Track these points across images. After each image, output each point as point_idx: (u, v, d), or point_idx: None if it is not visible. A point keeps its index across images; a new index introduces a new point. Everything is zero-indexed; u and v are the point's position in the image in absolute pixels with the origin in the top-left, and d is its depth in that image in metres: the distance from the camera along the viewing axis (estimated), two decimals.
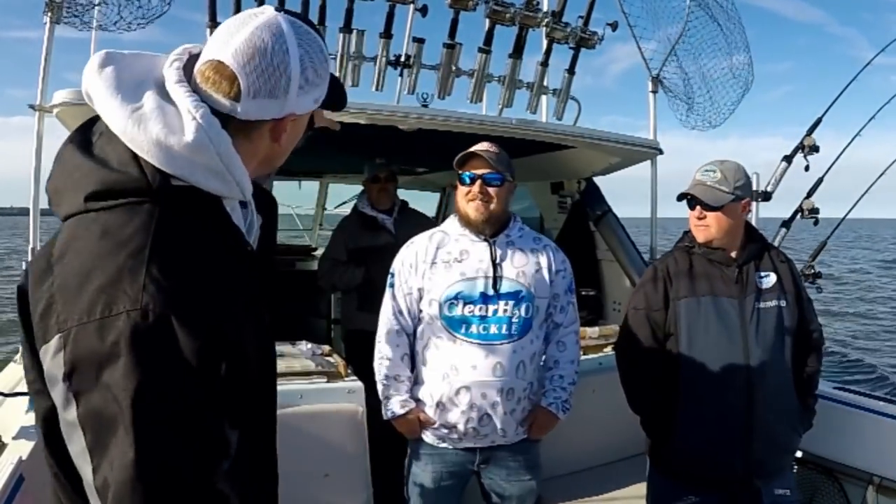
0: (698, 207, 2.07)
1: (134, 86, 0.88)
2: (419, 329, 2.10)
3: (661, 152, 3.59)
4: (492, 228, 2.08)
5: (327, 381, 2.30)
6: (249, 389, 0.93)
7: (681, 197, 2.11)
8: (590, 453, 2.89)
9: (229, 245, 0.92)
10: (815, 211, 3.28)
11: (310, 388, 2.24)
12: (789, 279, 2.13)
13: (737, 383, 2.00)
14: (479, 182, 2.03)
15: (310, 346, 2.56)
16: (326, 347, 2.63)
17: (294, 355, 2.46)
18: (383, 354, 2.11)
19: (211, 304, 0.81)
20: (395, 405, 2.06)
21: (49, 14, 2.51)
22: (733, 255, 2.11)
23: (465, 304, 2.01)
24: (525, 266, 2.08)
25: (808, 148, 3.34)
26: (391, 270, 2.17)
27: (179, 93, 0.87)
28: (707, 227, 2.07)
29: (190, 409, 0.77)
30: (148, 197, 0.84)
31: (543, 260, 2.12)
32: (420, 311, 2.08)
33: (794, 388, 2.11)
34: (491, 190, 2.04)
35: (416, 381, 2.11)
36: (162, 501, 0.76)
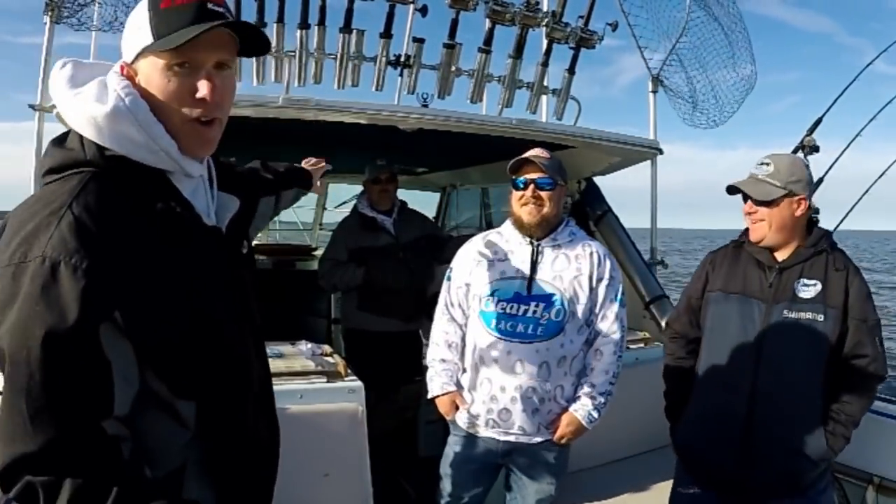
0: (749, 202, 1.99)
1: (85, 80, 1.00)
2: (468, 322, 2.22)
3: (660, 152, 3.59)
4: (544, 230, 2.16)
5: (327, 381, 2.29)
6: (193, 359, 0.99)
7: (731, 189, 2.02)
8: (604, 449, 2.89)
9: (163, 212, 0.98)
10: (815, 211, 3.27)
11: (310, 387, 2.23)
12: (840, 292, 1.90)
13: (741, 388, 1.95)
14: (531, 186, 2.13)
15: (310, 345, 2.56)
16: (327, 347, 2.63)
17: (294, 355, 2.45)
18: (433, 340, 2.27)
19: (105, 257, 0.87)
20: (435, 386, 2.21)
21: (49, 14, 2.51)
22: (779, 257, 1.99)
23: (499, 301, 2.11)
24: (564, 271, 2.13)
25: (808, 148, 3.33)
26: (451, 265, 2.29)
27: (113, 77, 1.00)
28: (761, 224, 1.96)
29: (64, 343, 0.83)
30: (85, 168, 0.95)
31: (585, 266, 2.14)
32: (469, 305, 2.21)
33: (819, 413, 1.92)
34: (543, 194, 2.13)
35: (461, 368, 2.24)
36: (31, 425, 0.82)
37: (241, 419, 1.12)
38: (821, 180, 3.35)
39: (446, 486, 2.24)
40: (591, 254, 2.16)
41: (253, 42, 1.05)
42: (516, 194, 2.17)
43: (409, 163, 4.91)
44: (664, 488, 2.29)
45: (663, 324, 2.36)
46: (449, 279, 2.27)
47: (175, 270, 0.96)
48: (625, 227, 3.87)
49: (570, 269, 2.13)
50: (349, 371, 2.48)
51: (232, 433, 1.09)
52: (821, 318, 1.89)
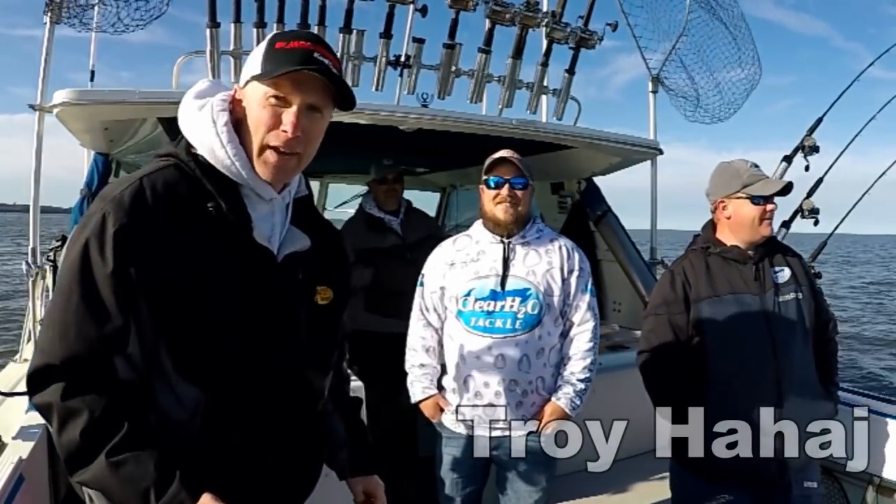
0: (769, 202, 2.05)
1: (206, 95, 1.19)
2: (444, 324, 2.25)
3: (660, 152, 3.59)
4: (519, 228, 2.21)
5: None
6: (195, 344, 1.09)
7: (785, 191, 2.07)
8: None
9: (211, 209, 1.11)
10: (815, 211, 3.28)
11: None
12: (801, 272, 2.14)
13: (766, 379, 2.00)
14: (507, 185, 2.17)
15: None
16: None
17: None
18: (410, 346, 2.29)
19: (140, 223, 1.05)
20: (418, 391, 2.24)
21: (49, 14, 2.51)
22: (749, 252, 2.10)
23: (476, 300, 2.15)
24: (536, 265, 2.18)
25: (807, 148, 3.34)
26: (423, 271, 2.32)
27: (216, 100, 1.16)
28: (771, 221, 2.08)
29: (97, 275, 1.03)
30: (174, 158, 1.14)
31: (556, 259, 2.20)
32: (445, 307, 2.23)
33: (817, 379, 2.10)
34: (518, 193, 2.17)
35: (442, 370, 2.26)
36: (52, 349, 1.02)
37: (248, 420, 1.16)
38: (820, 181, 3.36)
39: (443, 487, 2.25)
40: (560, 247, 2.23)
41: (346, 97, 1.18)
42: (490, 193, 2.20)
43: (409, 163, 4.91)
44: (662, 490, 2.28)
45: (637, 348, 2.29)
46: (422, 285, 2.29)
47: (193, 256, 1.08)
48: (625, 227, 3.87)
49: (541, 263, 2.18)
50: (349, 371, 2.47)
51: (235, 430, 1.15)
52: (801, 295, 2.09)
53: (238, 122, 1.15)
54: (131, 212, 1.04)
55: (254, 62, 1.15)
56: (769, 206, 2.06)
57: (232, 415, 1.14)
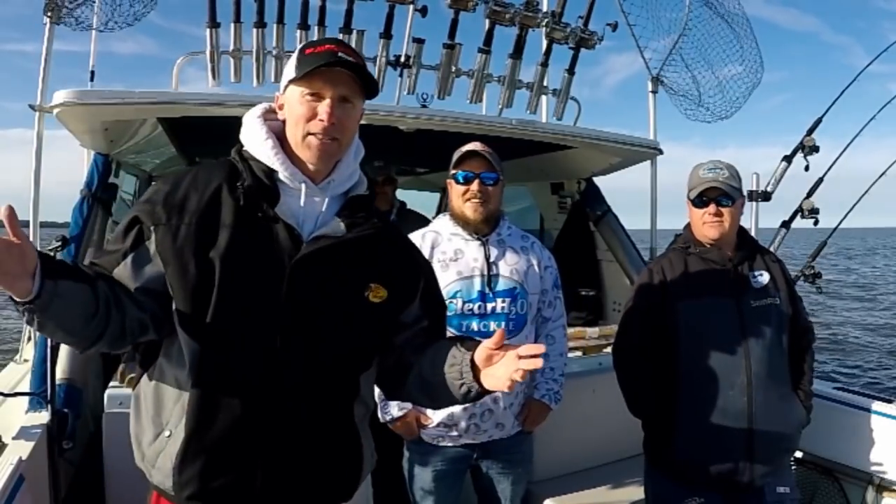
0: (713, 204, 2.05)
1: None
2: None
3: (660, 152, 3.59)
4: (489, 227, 2.10)
5: None
6: (203, 303, 1.21)
7: (702, 195, 2.07)
8: (590, 453, 2.89)
9: (245, 191, 1.27)
10: (815, 211, 3.28)
11: None
12: (781, 278, 2.15)
13: (737, 382, 2.00)
14: (477, 181, 2.05)
15: None
16: None
17: None
18: None
19: (177, 192, 1.27)
20: (393, 408, 2.07)
21: (49, 14, 2.52)
22: (729, 254, 2.11)
23: (464, 302, 2.03)
24: (517, 263, 2.12)
25: (807, 148, 3.34)
26: None
27: (256, 108, 1.41)
28: (722, 223, 2.06)
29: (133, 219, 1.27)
30: (229, 159, 1.37)
31: (533, 257, 2.17)
32: None
33: (790, 384, 2.12)
34: (489, 189, 2.06)
35: None
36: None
37: (245, 385, 1.24)
38: (820, 181, 3.37)
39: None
40: (533, 244, 2.20)
41: (371, 87, 1.33)
42: (458, 188, 2.07)
43: (409, 163, 4.91)
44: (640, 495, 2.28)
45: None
46: None
47: (216, 225, 1.24)
48: (625, 228, 3.87)
49: (521, 261, 2.12)
50: None
51: (229, 393, 1.23)
52: (777, 301, 2.10)
53: (282, 123, 1.34)
54: (172, 182, 1.29)
55: (289, 69, 1.32)
56: (710, 209, 2.06)
57: (218, 360, 1.23)
